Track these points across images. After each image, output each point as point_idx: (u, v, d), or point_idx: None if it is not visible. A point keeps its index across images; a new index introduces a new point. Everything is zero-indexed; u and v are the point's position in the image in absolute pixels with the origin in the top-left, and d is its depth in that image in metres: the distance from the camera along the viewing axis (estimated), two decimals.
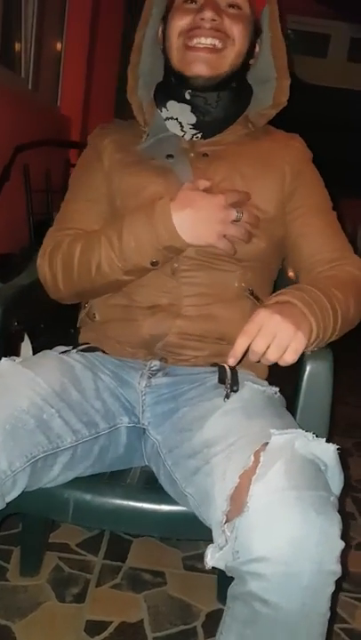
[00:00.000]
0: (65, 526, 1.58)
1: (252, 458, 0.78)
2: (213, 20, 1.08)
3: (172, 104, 1.15)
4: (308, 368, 1.01)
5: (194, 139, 1.15)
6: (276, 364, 0.98)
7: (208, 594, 1.39)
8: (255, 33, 1.16)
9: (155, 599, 1.38)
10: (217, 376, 1.01)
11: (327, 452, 0.80)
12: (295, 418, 1.00)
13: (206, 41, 1.09)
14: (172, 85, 1.15)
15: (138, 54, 1.19)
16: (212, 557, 0.78)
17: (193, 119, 1.14)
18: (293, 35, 5.30)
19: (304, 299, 0.95)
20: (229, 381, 0.97)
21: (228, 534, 0.76)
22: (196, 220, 1.01)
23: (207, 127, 1.15)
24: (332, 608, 0.76)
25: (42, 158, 3.46)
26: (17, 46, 3.76)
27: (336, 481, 0.80)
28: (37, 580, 1.39)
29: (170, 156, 1.13)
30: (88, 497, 0.97)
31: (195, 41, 1.09)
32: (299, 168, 1.16)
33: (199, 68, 1.09)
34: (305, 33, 5.32)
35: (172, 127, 1.16)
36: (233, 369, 1.00)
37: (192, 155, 1.14)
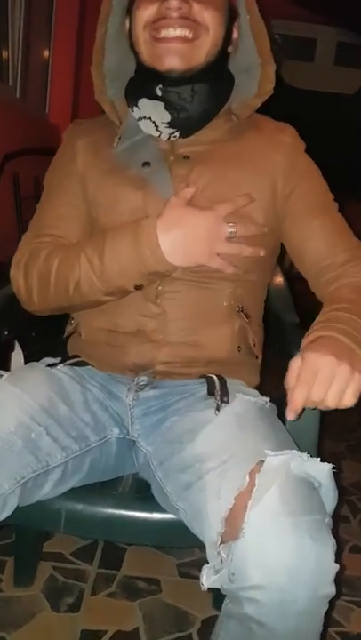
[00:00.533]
0: (59, 535, 1.58)
1: (247, 478, 0.77)
2: (180, 7, 0.97)
3: (143, 102, 1.05)
4: None
5: (171, 138, 1.05)
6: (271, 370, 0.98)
7: (203, 601, 1.39)
8: (231, 17, 1.06)
9: (150, 607, 1.37)
10: (206, 387, 0.99)
11: (321, 471, 0.79)
12: (285, 423, 1.00)
13: (175, 32, 0.98)
14: (143, 82, 1.06)
15: (101, 52, 1.09)
16: (208, 579, 0.78)
17: (167, 117, 1.03)
18: (280, 39, 5.32)
19: (348, 332, 0.88)
20: (219, 392, 0.96)
21: (224, 556, 0.76)
22: (185, 241, 0.94)
23: (184, 124, 1.04)
24: (328, 612, 0.76)
25: (31, 166, 3.46)
26: (4, 54, 3.76)
27: (330, 499, 0.80)
28: (32, 590, 1.38)
29: (146, 163, 1.04)
30: (80, 507, 0.97)
31: (162, 33, 0.99)
32: (292, 166, 1.07)
33: (171, 60, 0.99)
34: (292, 37, 5.34)
35: (146, 127, 1.06)
36: (222, 379, 0.99)
37: (171, 158, 1.05)
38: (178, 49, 0.99)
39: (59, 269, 1.00)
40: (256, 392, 1.06)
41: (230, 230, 0.97)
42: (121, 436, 1.05)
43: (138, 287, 0.98)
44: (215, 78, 1.06)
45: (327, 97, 4.99)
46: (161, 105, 1.03)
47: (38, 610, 1.33)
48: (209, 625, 1.33)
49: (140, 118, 1.06)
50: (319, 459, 0.80)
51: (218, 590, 0.79)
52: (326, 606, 0.74)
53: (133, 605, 1.37)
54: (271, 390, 1.08)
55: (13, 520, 0.89)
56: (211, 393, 0.97)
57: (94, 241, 1.00)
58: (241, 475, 0.78)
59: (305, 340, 0.90)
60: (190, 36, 0.99)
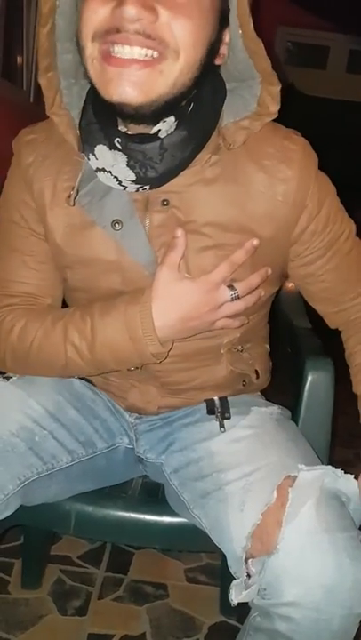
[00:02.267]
0: (66, 538, 1.57)
1: (275, 494, 0.75)
2: (139, 18, 0.69)
3: (101, 151, 0.81)
4: (309, 378, 1.01)
5: (140, 190, 0.84)
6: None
7: (210, 606, 1.38)
8: (222, 21, 0.78)
9: (157, 612, 1.37)
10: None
11: (352, 486, 0.78)
12: None
13: (132, 52, 0.71)
14: (99, 115, 0.82)
15: (48, 55, 0.81)
16: (238, 595, 0.76)
17: (132, 176, 0.81)
18: (293, 47, 5.34)
19: None
20: (219, 410, 0.94)
21: (253, 570, 0.75)
22: (184, 322, 0.83)
23: (154, 182, 0.83)
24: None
25: None
26: (18, 59, 3.79)
27: (358, 514, 0.79)
28: (39, 592, 1.38)
29: (116, 221, 0.85)
30: (90, 509, 0.97)
31: (114, 49, 0.72)
32: (299, 205, 0.87)
33: (123, 91, 0.72)
34: (304, 45, 5.36)
35: (107, 181, 0.83)
36: (223, 398, 0.97)
37: (147, 207, 0.86)
38: (133, 76, 0.72)
39: (40, 353, 0.89)
40: (268, 402, 1.04)
41: (232, 294, 0.84)
42: (130, 447, 1.04)
43: (133, 369, 0.93)
44: (194, 107, 0.81)
45: (339, 104, 4.99)
46: (123, 159, 0.81)
47: (45, 612, 1.32)
48: (216, 631, 1.32)
49: (97, 169, 0.83)
50: (352, 476, 0.78)
51: (225, 596, 0.79)
52: (358, 625, 0.73)
53: (140, 610, 1.37)
54: (281, 395, 1.08)
55: (24, 521, 0.90)
56: (211, 412, 0.95)
57: (79, 324, 0.87)
58: (268, 489, 0.76)
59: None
60: (155, 56, 0.72)
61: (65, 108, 0.85)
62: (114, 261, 0.88)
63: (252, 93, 0.83)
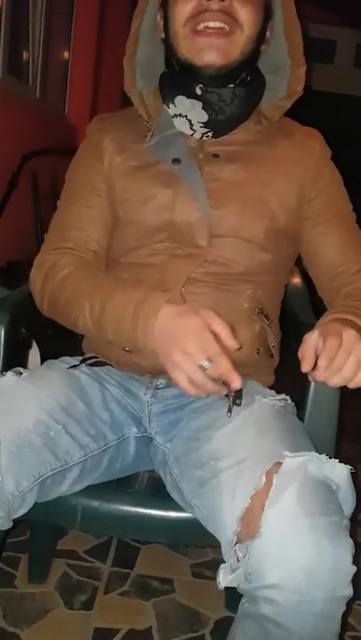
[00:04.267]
0: (73, 533, 1.58)
1: (264, 478, 0.77)
2: (222, 0, 0.98)
3: (180, 100, 1.05)
4: None
5: (204, 138, 1.06)
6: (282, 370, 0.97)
7: (216, 601, 1.39)
8: (267, 15, 1.05)
9: (163, 606, 1.37)
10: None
11: (340, 473, 0.79)
12: (303, 424, 1.00)
13: (215, 24, 0.99)
14: (180, 78, 1.05)
15: (134, 43, 1.09)
16: (225, 578, 0.78)
17: (205, 117, 1.04)
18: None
19: None
20: (232, 394, 0.94)
21: (240, 555, 0.76)
22: (169, 339, 0.86)
23: (219, 126, 1.05)
24: (344, 614, 0.76)
25: (49, 166, 3.48)
26: (25, 55, 3.79)
27: (349, 502, 0.79)
28: (45, 587, 1.39)
29: (176, 160, 1.04)
30: (96, 504, 0.97)
31: (202, 25, 0.99)
32: (319, 173, 1.09)
33: (210, 56, 1.00)
34: (311, 39, 5.36)
35: (181, 125, 1.06)
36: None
37: (201, 156, 1.05)
38: (217, 43, 0.99)
39: (68, 298, 1.01)
40: (274, 392, 1.05)
41: (202, 364, 0.83)
42: (139, 435, 1.05)
43: (127, 350, 0.99)
44: (250, 79, 1.06)
45: (347, 99, 4.97)
46: (199, 105, 1.04)
47: (52, 607, 1.33)
48: (222, 626, 1.32)
49: (175, 115, 1.06)
50: (337, 460, 0.79)
51: (231, 591, 0.79)
52: (344, 608, 0.74)
53: (146, 604, 1.37)
54: (287, 389, 1.08)
55: (31, 515, 0.90)
56: (225, 395, 0.95)
57: (105, 289, 0.98)
58: (257, 475, 0.78)
59: (322, 320, 0.97)
60: (228, 29, 0.99)
61: (138, 89, 1.10)
62: (168, 194, 1.03)
63: (283, 79, 1.09)
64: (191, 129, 1.05)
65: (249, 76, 1.06)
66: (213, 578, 1.45)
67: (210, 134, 1.06)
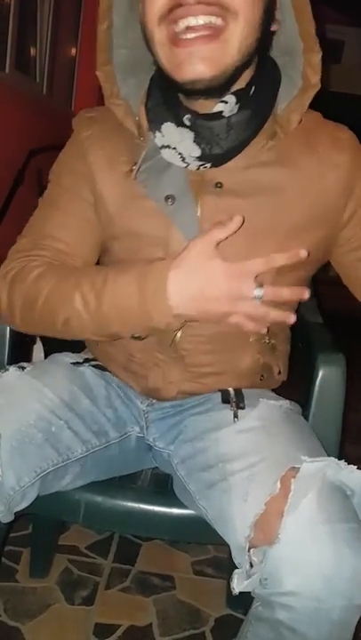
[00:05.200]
0: (74, 529, 1.58)
1: (279, 484, 0.75)
2: None
3: (168, 128, 0.86)
4: (320, 373, 1.01)
5: (201, 169, 0.88)
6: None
7: (217, 599, 1.39)
8: None
9: (164, 603, 1.37)
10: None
11: (356, 479, 0.77)
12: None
13: (197, 21, 0.76)
14: (167, 96, 0.87)
15: (105, 50, 0.88)
16: (240, 584, 0.77)
17: (197, 152, 0.85)
18: None
19: None
20: (234, 399, 0.94)
21: (255, 560, 0.75)
22: (199, 297, 0.79)
23: (217, 159, 0.86)
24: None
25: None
26: (32, 51, 3.79)
27: None
28: (47, 581, 1.39)
29: (170, 197, 0.87)
30: (99, 499, 0.97)
31: (181, 25, 0.77)
32: (350, 189, 0.90)
33: (195, 69, 0.78)
34: (319, 39, 5.35)
35: (170, 157, 0.87)
36: (237, 390, 0.97)
37: (200, 187, 0.88)
38: (201, 52, 0.77)
39: (47, 299, 0.88)
40: (277, 395, 1.03)
41: (256, 294, 0.80)
42: (141, 435, 1.05)
43: (137, 337, 0.88)
44: (258, 87, 0.86)
45: (355, 99, 4.96)
46: (190, 136, 0.85)
47: (53, 601, 1.33)
48: (222, 624, 1.32)
49: (162, 146, 0.87)
50: (355, 467, 0.77)
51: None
52: (359, 616, 0.73)
53: (147, 601, 1.37)
54: (291, 389, 1.08)
55: (34, 510, 0.90)
56: (226, 401, 0.95)
57: (94, 275, 0.86)
58: (272, 480, 0.76)
59: None
60: (218, 23, 0.77)
61: (122, 98, 0.90)
62: (161, 236, 0.89)
63: (298, 69, 0.86)
64: (183, 162, 0.87)
65: (254, 84, 0.85)
66: (214, 575, 1.47)
67: (208, 165, 0.87)
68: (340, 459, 0.79)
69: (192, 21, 0.76)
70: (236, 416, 0.91)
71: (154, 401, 1.04)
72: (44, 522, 1.40)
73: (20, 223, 1.02)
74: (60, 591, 1.37)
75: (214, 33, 0.77)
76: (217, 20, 0.76)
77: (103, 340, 0.94)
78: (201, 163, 0.86)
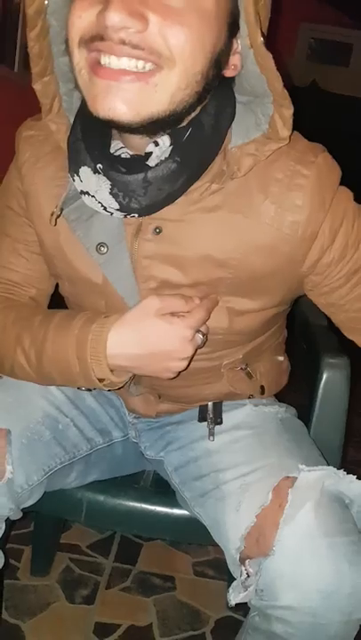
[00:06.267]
0: (76, 527, 1.58)
1: (271, 495, 0.73)
2: (123, 27, 0.60)
3: (85, 173, 0.73)
4: (324, 376, 1.01)
5: (129, 217, 0.76)
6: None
7: (217, 600, 1.39)
8: (231, 31, 0.68)
9: (164, 604, 1.37)
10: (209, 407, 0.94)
11: (356, 488, 0.74)
12: (310, 427, 1.00)
13: (119, 62, 0.62)
14: (88, 129, 0.74)
15: (40, 60, 0.74)
16: (236, 596, 0.76)
17: (114, 204, 0.73)
18: (315, 44, 5.30)
19: None
20: (211, 416, 0.92)
21: (250, 570, 0.74)
22: (146, 360, 0.77)
23: (140, 211, 0.74)
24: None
25: None
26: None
27: None
28: (47, 580, 1.39)
29: (102, 245, 0.78)
30: (101, 498, 0.98)
31: (103, 60, 0.63)
32: (311, 233, 0.77)
33: (111, 108, 0.64)
34: (327, 42, 5.32)
35: (92, 205, 0.75)
36: (217, 403, 0.93)
37: (138, 232, 0.78)
38: (122, 91, 0.63)
39: None
40: (272, 401, 1.00)
41: (202, 339, 0.79)
42: (136, 440, 1.05)
43: (87, 389, 0.88)
44: (190, 136, 0.71)
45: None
46: (106, 186, 0.72)
47: (53, 600, 1.33)
48: (222, 625, 1.32)
49: (82, 192, 0.75)
50: (355, 477, 0.75)
51: None
52: (357, 629, 0.72)
53: (147, 601, 1.37)
54: (294, 393, 1.08)
55: (36, 508, 0.90)
56: (203, 419, 0.93)
57: (35, 331, 0.82)
58: (264, 491, 0.75)
59: None
60: (147, 68, 0.63)
61: (64, 115, 0.78)
62: (99, 285, 0.82)
63: (265, 112, 0.71)
64: (106, 210, 0.75)
65: (190, 130, 0.71)
66: (215, 577, 1.47)
67: (135, 215, 0.75)
68: (342, 463, 0.79)
69: (114, 61, 0.62)
70: (211, 434, 0.89)
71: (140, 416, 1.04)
72: (45, 520, 1.40)
73: None
74: (60, 590, 1.37)
75: (142, 75, 0.63)
76: (145, 65, 0.62)
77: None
78: (124, 213, 0.74)
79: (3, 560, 0.89)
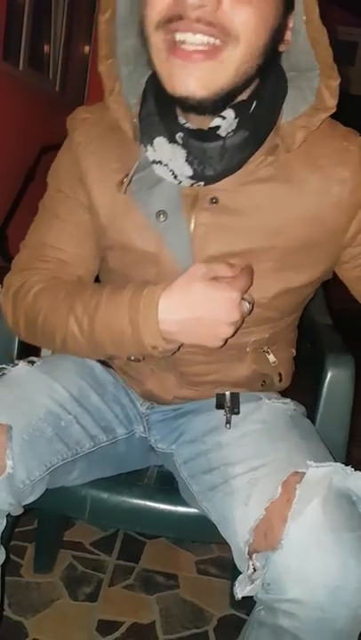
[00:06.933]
0: (79, 525, 1.59)
1: (280, 489, 0.74)
2: (202, 5, 0.68)
3: (160, 143, 0.81)
4: (329, 375, 1.01)
5: (194, 186, 0.84)
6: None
7: (220, 599, 1.39)
8: (286, 8, 0.77)
9: (167, 601, 1.37)
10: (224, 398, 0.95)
11: None
12: (314, 426, 0.99)
13: (194, 38, 0.71)
14: (160, 105, 0.82)
15: (107, 42, 0.82)
16: (243, 589, 0.76)
17: (189, 171, 0.81)
18: None
19: None
20: (228, 405, 0.92)
21: (258, 564, 0.74)
22: (196, 326, 0.78)
23: (210, 179, 0.82)
24: None
25: None
26: (46, 48, 3.80)
27: None
28: (51, 577, 1.40)
29: (161, 212, 0.84)
30: (105, 496, 0.98)
31: (178, 37, 0.72)
32: (355, 204, 0.84)
33: (187, 86, 0.73)
34: (332, 41, 5.34)
35: (162, 173, 0.83)
36: (234, 393, 0.95)
37: (194, 202, 0.84)
38: (195, 69, 0.72)
39: (46, 318, 0.89)
40: (279, 396, 1.02)
41: (246, 308, 0.81)
42: (145, 435, 1.05)
43: (134, 359, 0.88)
44: (261, 102, 0.80)
45: None
46: (182, 154, 0.80)
47: (56, 597, 1.34)
48: (225, 623, 1.32)
49: (154, 161, 0.83)
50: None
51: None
52: None
53: (150, 599, 1.38)
54: (299, 391, 1.07)
55: (40, 505, 0.90)
56: (220, 406, 0.94)
57: (88, 300, 0.85)
58: (273, 485, 0.75)
59: None
60: (217, 43, 0.72)
61: (123, 96, 0.85)
62: (152, 253, 0.87)
63: (311, 86, 0.80)
64: (175, 179, 0.83)
65: (256, 99, 0.80)
66: (218, 575, 1.47)
67: (201, 184, 0.83)
68: (346, 462, 0.79)
69: (190, 37, 0.71)
70: (228, 422, 0.90)
71: (154, 403, 1.04)
72: (49, 517, 1.40)
73: (30, 219, 1.02)
74: (63, 587, 1.37)
75: (212, 51, 0.72)
76: (215, 41, 0.71)
77: (102, 358, 0.94)
78: (193, 181, 0.82)
79: (4, 556, 0.89)
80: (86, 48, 4.63)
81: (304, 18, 0.76)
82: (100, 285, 0.93)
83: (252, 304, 0.82)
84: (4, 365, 0.96)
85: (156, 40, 0.74)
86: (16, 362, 0.97)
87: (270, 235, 0.84)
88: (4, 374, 0.94)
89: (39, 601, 1.32)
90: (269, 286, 0.86)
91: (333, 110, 0.80)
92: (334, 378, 1.01)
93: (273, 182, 0.83)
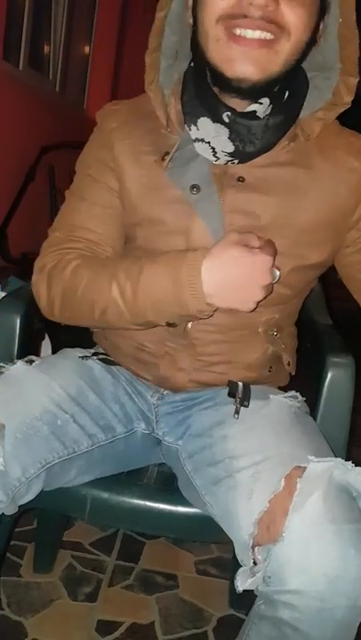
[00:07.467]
0: (79, 525, 1.59)
1: (283, 482, 0.76)
2: (267, 6, 0.80)
3: (204, 123, 0.90)
4: (329, 375, 1.01)
5: (228, 164, 0.93)
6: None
7: (220, 599, 1.39)
8: (321, 12, 0.88)
9: (166, 602, 1.37)
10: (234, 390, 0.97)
11: None
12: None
13: (254, 34, 0.82)
14: (206, 90, 0.91)
15: (158, 35, 0.92)
16: (244, 582, 0.77)
17: (230, 148, 0.90)
18: None
19: None
20: (240, 395, 0.94)
21: (259, 558, 0.75)
22: (233, 288, 0.84)
23: (247, 156, 0.91)
24: None
25: (66, 159, 3.49)
26: (46, 48, 3.81)
27: None
28: (50, 577, 1.40)
29: (195, 187, 0.92)
30: (105, 495, 0.97)
31: (238, 32, 0.82)
32: (359, 197, 0.95)
33: (244, 68, 0.84)
34: None
35: (203, 151, 0.92)
36: (246, 385, 0.97)
37: (223, 180, 0.93)
38: (254, 55, 0.83)
39: (86, 289, 0.92)
40: (287, 393, 1.03)
41: (276, 275, 0.87)
42: (147, 431, 1.05)
43: (171, 324, 0.91)
44: (291, 93, 0.92)
45: None
46: (225, 132, 0.89)
47: (56, 597, 1.34)
48: (224, 623, 1.32)
49: (196, 139, 0.92)
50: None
51: (235, 589, 0.78)
52: None
53: (150, 599, 1.38)
54: (300, 390, 1.07)
55: (40, 504, 0.90)
56: (232, 395, 0.96)
57: (129, 266, 0.90)
58: (276, 478, 0.77)
59: None
60: (270, 37, 0.83)
61: (160, 87, 0.94)
62: (183, 224, 0.93)
63: (328, 84, 0.92)
64: (214, 155, 0.91)
65: (288, 90, 0.91)
66: (217, 575, 1.48)
67: (235, 162, 0.92)
68: (347, 461, 0.79)
69: (249, 33, 0.82)
70: (237, 412, 0.92)
71: (165, 393, 1.05)
72: (48, 517, 1.40)
73: (30, 219, 1.03)
74: (63, 587, 1.37)
75: (269, 42, 0.83)
76: (270, 36, 0.82)
77: (137, 328, 0.95)
78: (230, 159, 0.91)
79: None
80: (86, 48, 4.63)
81: (340, 20, 0.89)
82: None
83: (280, 271, 0.88)
84: (2, 364, 0.96)
85: (216, 32, 0.84)
86: (15, 361, 0.97)
87: (289, 213, 0.92)
88: (2, 373, 0.94)
89: (39, 601, 1.32)
90: (285, 262, 0.92)
91: (349, 105, 0.92)
92: (334, 378, 1.01)
93: (293, 166, 0.93)
